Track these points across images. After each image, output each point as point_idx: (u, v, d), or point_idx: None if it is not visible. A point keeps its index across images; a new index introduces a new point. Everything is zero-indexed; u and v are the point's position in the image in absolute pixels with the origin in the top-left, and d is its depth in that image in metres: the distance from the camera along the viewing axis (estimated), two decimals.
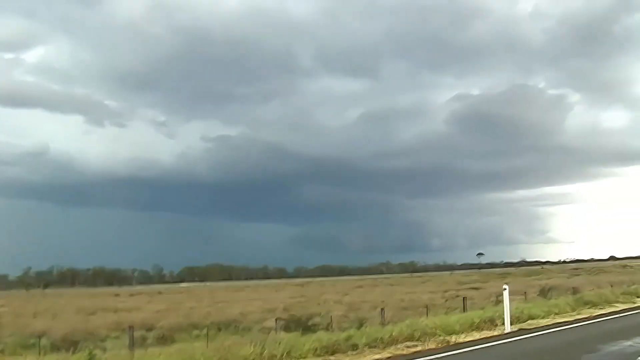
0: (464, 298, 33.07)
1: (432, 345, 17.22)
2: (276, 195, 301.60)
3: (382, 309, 25.40)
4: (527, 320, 23.49)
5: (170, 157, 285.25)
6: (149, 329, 33.70)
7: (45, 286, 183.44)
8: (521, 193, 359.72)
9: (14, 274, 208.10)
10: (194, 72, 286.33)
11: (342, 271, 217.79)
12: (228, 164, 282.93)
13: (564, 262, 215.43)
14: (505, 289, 21.08)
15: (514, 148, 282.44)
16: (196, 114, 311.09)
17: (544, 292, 38.02)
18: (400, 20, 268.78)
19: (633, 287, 38.64)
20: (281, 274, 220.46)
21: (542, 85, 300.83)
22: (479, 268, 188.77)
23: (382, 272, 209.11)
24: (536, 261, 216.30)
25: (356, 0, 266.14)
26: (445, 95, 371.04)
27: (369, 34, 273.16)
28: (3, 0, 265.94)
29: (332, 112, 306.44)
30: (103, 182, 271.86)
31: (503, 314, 20.84)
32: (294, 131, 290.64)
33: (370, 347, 16.61)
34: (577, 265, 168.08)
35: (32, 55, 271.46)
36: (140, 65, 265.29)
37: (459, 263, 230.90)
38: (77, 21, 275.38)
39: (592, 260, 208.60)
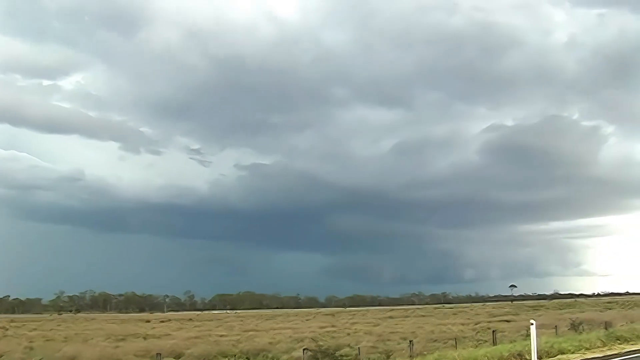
0: (493, 331, 32.73)
1: None
2: (309, 224, 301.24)
3: (410, 341, 25.28)
4: (556, 355, 23.22)
5: (204, 185, 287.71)
6: (178, 356, 33.87)
7: (78, 310, 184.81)
8: (555, 225, 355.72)
9: (47, 297, 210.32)
10: (228, 100, 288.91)
11: (373, 301, 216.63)
12: (261, 192, 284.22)
13: (598, 295, 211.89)
14: (532, 324, 20.87)
15: (548, 179, 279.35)
16: (230, 142, 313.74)
17: (575, 326, 37.37)
18: (434, 51, 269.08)
19: None
20: (312, 303, 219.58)
21: (576, 116, 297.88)
22: (512, 300, 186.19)
23: (413, 303, 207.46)
24: (569, 294, 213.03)
25: (390, 30, 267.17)
26: (479, 125, 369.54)
27: (402, 64, 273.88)
28: (43, 28, 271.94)
29: (365, 142, 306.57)
30: (137, 208, 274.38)
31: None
32: (327, 160, 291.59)
33: None
34: (611, 298, 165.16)
35: (70, 82, 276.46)
36: (175, 93, 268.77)
37: (491, 295, 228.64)
38: (114, 49, 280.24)
39: (627, 293, 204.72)
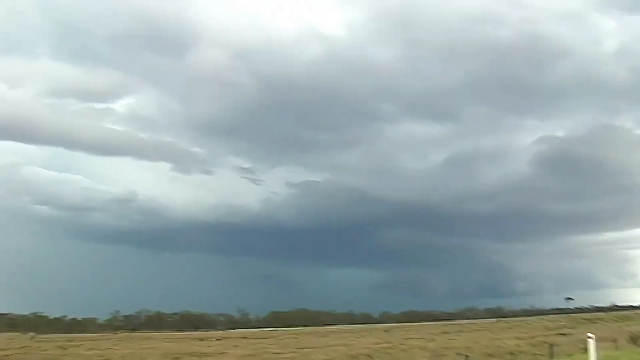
0: (550, 345, 32.42)
1: None
2: (361, 240, 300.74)
3: (466, 356, 25.24)
4: None
5: (256, 203, 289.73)
6: None
7: (133, 329, 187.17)
8: (610, 235, 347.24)
9: (102, 317, 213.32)
10: (277, 118, 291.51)
11: (428, 316, 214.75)
12: (312, 209, 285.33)
13: None
14: (591, 338, 20.64)
15: (601, 189, 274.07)
16: (280, 160, 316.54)
17: (634, 339, 36.76)
18: (481, 63, 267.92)
19: None
20: (366, 319, 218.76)
21: (628, 125, 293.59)
22: (568, 313, 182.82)
23: (468, 317, 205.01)
24: (628, 306, 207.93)
25: (436, 44, 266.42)
26: (529, 137, 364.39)
27: (450, 77, 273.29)
28: (94, 53, 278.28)
29: (415, 156, 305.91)
30: (190, 227, 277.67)
31: None
32: (377, 176, 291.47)
33: None
34: None
35: (121, 105, 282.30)
36: (225, 113, 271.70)
37: (547, 308, 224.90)
38: (163, 72, 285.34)
39: None
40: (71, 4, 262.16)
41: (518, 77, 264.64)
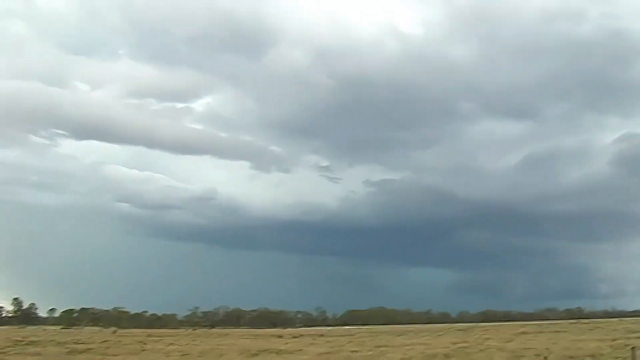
0: (632, 348, 31.90)
1: None
2: (438, 239, 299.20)
3: (545, 357, 25.14)
4: None
5: (334, 201, 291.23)
6: None
7: (212, 326, 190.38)
8: None
9: (181, 313, 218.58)
10: (356, 117, 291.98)
11: (506, 316, 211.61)
12: (391, 207, 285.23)
13: None
14: None
15: None
16: (359, 158, 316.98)
17: None
18: (561, 61, 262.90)
19: None
20: (444, 318, 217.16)
21: None
22: None
23: (546, 318, 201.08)
24: None
25: (515, 42, 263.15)
26: (610, 136, 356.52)
27: (529, 75, 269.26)
28: (174, 54, 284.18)
29: (493, 155, 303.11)
30: (268, 225, 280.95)
31: None
32: (455, 175, 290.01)
33: None
34: None
35: (200, 105, 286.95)
36: (303, 112, 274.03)
37: (630, 310, 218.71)
38: (242, 72, 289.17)
39: None
40: (150, 5, 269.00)
41: (599, 73, 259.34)
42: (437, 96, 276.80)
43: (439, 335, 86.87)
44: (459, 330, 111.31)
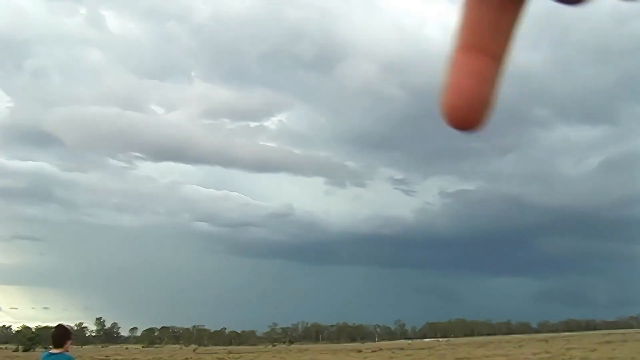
0: None
1: None
2: (517, 248, 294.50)
3: None
4: None
5: (410, 214, 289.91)
6: None
7: (291, 342, 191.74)
8: None
9: (261, 330, 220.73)
10: (428, 128, 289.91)
11: (588, 325, 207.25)
12: (467, 218, 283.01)
13: None
14: None
15: None
16: (433, 170, 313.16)
17: None
18: (636, 62, 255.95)
19: None
20: (524, 328, 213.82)
21: None
22: None
23: (631, 327, 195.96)
24: None
25: (588, 45, 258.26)
26: None
27: (603, 78, 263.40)
28: (245, 73, 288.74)
29: (570, 161, 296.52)
30: (345, 240, 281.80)
31: None
32: (532, 182, 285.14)
33: None
34: None
35: (274, 122, 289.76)
36: (375, 125, 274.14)
37: None
38: (314, 88, 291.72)
39: None
40: (221, 26, 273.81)
41: None
42: (510, 103, 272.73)
43: (520, 346, 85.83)
44: (541, 340, 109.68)
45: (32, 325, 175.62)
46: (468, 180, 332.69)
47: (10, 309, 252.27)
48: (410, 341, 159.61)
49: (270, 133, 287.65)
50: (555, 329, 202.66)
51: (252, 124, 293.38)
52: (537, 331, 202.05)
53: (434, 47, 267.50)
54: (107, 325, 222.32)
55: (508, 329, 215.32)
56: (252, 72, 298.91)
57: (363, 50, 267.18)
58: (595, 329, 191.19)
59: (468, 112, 0.92)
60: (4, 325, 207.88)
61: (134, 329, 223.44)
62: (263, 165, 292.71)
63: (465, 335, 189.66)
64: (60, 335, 8.65)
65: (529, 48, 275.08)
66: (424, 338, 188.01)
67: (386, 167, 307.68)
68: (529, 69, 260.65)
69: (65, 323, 8.99)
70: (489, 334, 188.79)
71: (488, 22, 0.73)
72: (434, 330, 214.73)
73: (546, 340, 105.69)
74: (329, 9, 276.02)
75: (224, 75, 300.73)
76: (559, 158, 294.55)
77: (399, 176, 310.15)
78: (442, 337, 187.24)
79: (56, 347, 8.50)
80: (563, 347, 71.61)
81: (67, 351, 8.60)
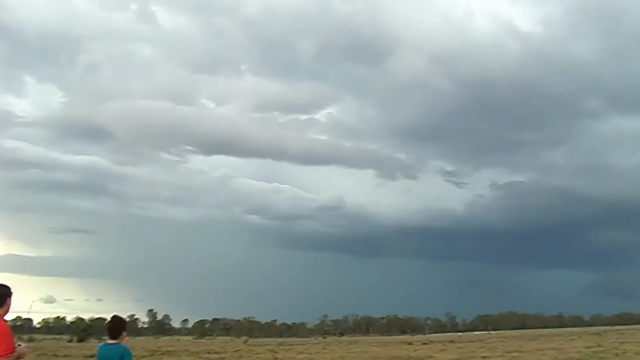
0: None
1: None
2: (569, 240, 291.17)
3: None
4: None
5: (460, 206, 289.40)
6: None
7: (341, 334, 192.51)
8: None
9: (311, 322, 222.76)
10: (479, 120, 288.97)
11: None
12: (518, 210, 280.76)
13: None
14: None
15: None
16: (484, 162, 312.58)
17: None
18: None
19: None
20: (577, 322, 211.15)
21: None
22: None
23: None
24: None
25: None
26: None
27: None
28: (295, 66, 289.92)
29: (623, 152, 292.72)
30: (395, 232, 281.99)
31: None
32: (584, 175, 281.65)
33: None
34: None
35: (324, 115, 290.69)
36: (426, 117, 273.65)
37: None
38: (363, 80, 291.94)
39: None
40: (270, 20, 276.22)
41: None
42: (562, 95, 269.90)
43: (572, 339, 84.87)
44: (593, 334, 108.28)
45: (86, 316, 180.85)
46: (519, 172, 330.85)
47: (65, 300, 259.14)
48: (460, 334, 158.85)
49: (321, 126, 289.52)
50: (608, 322, 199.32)
51: (303, 117, 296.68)
52: (589, 324, 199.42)
53: (483, 38, 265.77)
54: (159, 317, 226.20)
55: (560, 322, 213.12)
56: (302, 65, 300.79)
57: (412, 43, 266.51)
58: None
59: None
60: (59, 317, 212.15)
61: (185, 320, 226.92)
62: (313, 158, 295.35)
63: (516, 328, 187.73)
64: (117, 326, 9.00)
65: (581, 38, 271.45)
66: (475, 331, 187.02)
67: (436, 159, 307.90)
68: (581, 60, 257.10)
69: (119, 314, 9.39)
70: (540, 327, 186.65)
71: None
72: (484, 323, 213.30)
73: (599, 334, 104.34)
74: (376, 1, 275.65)
75: (274, 68, 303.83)
76: (612, 149, 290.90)
77: (450, 168, 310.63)
78: (492, 329, 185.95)
79: (112, 338, 8.83)
80: (616, 341, 70.65)
81: (123, 342, 9.02)
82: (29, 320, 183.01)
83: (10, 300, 8.03)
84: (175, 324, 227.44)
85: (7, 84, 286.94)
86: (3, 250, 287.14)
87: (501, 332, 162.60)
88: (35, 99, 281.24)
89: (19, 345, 7.83)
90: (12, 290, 8.11)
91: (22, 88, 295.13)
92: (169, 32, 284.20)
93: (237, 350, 75.04)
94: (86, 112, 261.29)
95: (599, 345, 61.84)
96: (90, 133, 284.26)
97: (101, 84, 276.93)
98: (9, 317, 8.00)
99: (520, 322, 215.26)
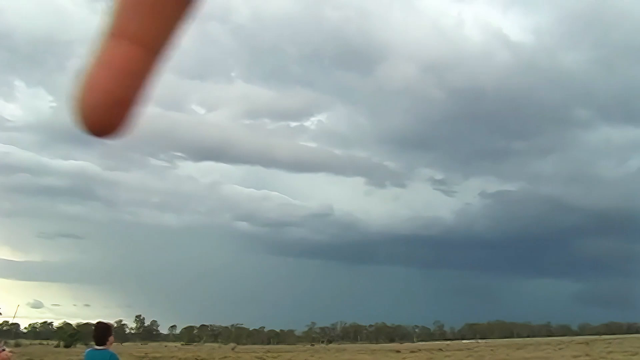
0: None
1: None
2: (558, 249, 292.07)
3: None
4: None
5: (450, 215, 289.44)
6: None
7: (329, 341, 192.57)
8: None
9: (299, 329, 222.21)
10: (468, 129, 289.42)
11: (630, 328, 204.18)
12: (507, 219, 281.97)
13: None
14: None
15: None
16: (473, 170, 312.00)
17: None
18: None
19: None
20: (564, 331, 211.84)
21: None
22: None
23: None
24: None
25: (629, 44, 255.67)
26: None
27: None
28: (285, 73, 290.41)
29: (612, 162, 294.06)
30: (384, 240, 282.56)
31: None
32: (573, 184, 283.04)
33: None
34: None
35: (314, 123, 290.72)
36: (415, 126, 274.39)
37: None
38: (353, 88, 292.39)
39: None
40: (260, 27, 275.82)
41: None
42: (551, 104, 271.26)
43: (560, 348, 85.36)
44: (581, 343, 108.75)
45: (73, 321, 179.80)
46: (508, 181, 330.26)
47: (52, 305, 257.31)
48: (448, 342, 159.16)
49: (311, 133, 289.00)
50: (596, 331, 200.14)
51: (292, 124, 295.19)
52: (577, 334, 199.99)
53: (473, 48, 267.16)
54: (147, 322, 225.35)
55: (548, 331, 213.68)
56: (292, 72, 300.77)
57: (402, 51, 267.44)
58: (637, 332, 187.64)
59: (105, 111, 0.81)
60: (46, 322, 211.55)
61: (173, 326, 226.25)
62: (303, 165, 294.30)
63: (505, 337, 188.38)
64: (101, 332, 9.05)
65: (570, 48, 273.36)
66: (463, 339, 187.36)
67: (426, 167, 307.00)
68: (571, 70, 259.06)
69: (105, 320, 9.49)
70: (528, 336, 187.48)
71: (144, 4, 0.84)
72: (472, 332, 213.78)
73: (587, 343, 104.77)
74: (367, 9, 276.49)
75: (264, 75, 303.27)
76: (601, 159, 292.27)
77: (439, 176, 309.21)
78: (481, 338, 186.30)
79: (98, 343, 8.75)
80: (604, 350, 71.09)
81: (110, 348, 9.12)
82: (16, 325, 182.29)
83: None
84: (163, 330, 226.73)
85: None
86: None
87: (489, 340, 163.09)
88: (25, 103, 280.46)
89: (3, 350, 7.89)
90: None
91: (12, 92, 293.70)
92: None
93: (225, 357, 75.10)
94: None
95: (587, 355, 62.28)
96: (80, 138, 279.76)
97: None
98: None
99: (508, 330, 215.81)
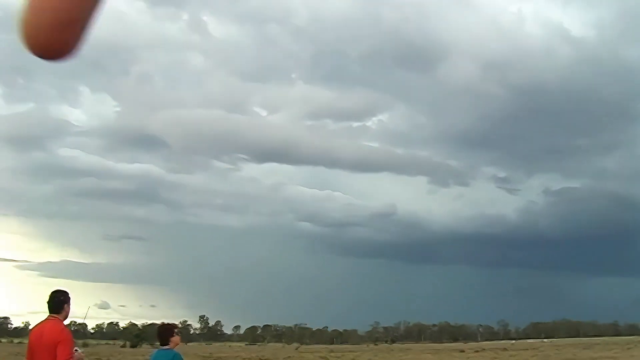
0: None
1: None
2: (624, 247, 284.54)
3: None
4: None
5: (514, 213, 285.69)
6: None
7: (393, 341, 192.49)
8: None
9: (362, 329, 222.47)
10: (531, 126, 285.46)
11: None
12: (572, 216, 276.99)
13: None
14: None
15: None
16: (537, 168, 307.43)
17: None
18: None
19: None
20: (633, 330, 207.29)
21: None
22: None
23: None
24: None
25: None
26: None
27: None
28: (346, 74, 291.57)
29: None
30: (448, 239, 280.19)
31: None
32: (638, 180, 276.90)
33: None
34: None
35: (376, 123, 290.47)
36: (477, 124, 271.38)
37: None
38: (414, 88, 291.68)
39: None
40: (320, 28, 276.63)
41: None
42: (615, 99, 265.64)
43: (628, 348, 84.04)
44: None
45: (139, 322, 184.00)
46: (573, 178, 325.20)
47: (119, 306, 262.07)
48: (513, 341, 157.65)
49: (372, 133, 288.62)
50: None
51: (354, 124, 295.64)
52: None
53: (534, 44, 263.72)
54: (211, 323, 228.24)
55: (615, 331, 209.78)
56: (353, 72, 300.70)
57: (462, 49, 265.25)
58: None
59: (52, 32, 0.67)
60: (112, 322, 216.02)
61: (237, 327, 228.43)
62: (365, 165, 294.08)
63: (570, 336, 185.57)
64: (163, 332, 9.39)
65: (632, 42, 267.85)
66: (528, 338, 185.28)
67: (488, 165, 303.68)
68: (634, 64, 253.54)
69: (168, 321, 10.13)
70: (595, 335, 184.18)
71: None
72: (538, 331, 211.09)
73: None
74: (425, 9, 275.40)
75: (325, 76, 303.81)
76: None
77: (502, 175, 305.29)
78: (546, 337, 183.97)
79: (162, 344, 9.28)
80: None
81: (175, 348, 9.81)
82: (84, 325, 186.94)
83: (68, 306, 8.54)
84: (227, 330, 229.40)
85: (62, 94, 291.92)
86: (59, 257, 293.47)
87: (555, 340, 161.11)
88: (90, 108, 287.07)
89: (77, 350, 8.75)
90: (69, 296, 8.66)
91: (77, 98, 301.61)
92: (220, 41, 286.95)
93: (289, 357, 76.10)
94: (139, 121, 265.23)
95: None
96: (144, 142, 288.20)
97: (154, 93, 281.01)
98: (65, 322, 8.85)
99: (574, 330, 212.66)
